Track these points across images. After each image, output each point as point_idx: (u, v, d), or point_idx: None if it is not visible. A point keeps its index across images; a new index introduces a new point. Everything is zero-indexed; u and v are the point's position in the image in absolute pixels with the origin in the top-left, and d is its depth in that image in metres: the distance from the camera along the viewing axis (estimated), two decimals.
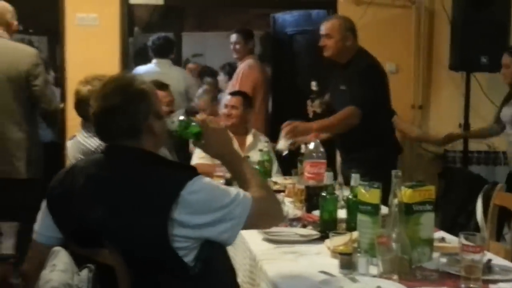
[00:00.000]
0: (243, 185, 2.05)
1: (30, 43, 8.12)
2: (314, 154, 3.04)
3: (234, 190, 1.95)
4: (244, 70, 5.50)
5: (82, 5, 5.08)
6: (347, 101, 3.64)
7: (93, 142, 3.28)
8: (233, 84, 5.48)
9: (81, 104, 3.25)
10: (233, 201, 1.90)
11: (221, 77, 6.35)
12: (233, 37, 5.70)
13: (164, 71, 5.36)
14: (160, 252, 1.82)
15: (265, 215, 2.02)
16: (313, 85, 3.89)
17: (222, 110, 4.50)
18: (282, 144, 3.55)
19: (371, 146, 3.70)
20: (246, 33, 5.74)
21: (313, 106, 3.90)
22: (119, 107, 1.94)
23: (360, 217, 2.18)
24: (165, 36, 5.73)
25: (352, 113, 3.60)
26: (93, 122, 2.00)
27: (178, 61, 8.44)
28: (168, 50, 5.60)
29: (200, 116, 2.22)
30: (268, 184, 2.25)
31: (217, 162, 3.97)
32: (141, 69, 5.51)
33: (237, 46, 5.65)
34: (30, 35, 7.89)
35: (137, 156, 1.94)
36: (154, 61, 5.54)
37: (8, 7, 4.11)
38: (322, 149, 3.07)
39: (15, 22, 4.13)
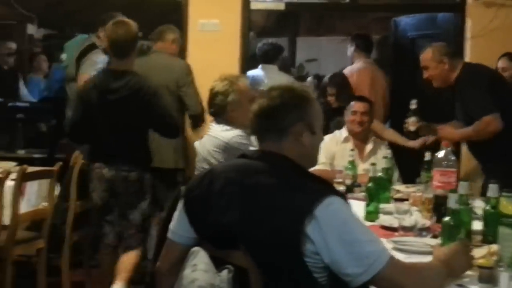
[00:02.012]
0: None
1: (149, 49, 8.44)
2: (444, 163, 2.95)
3: (376, 236, 1.87)
4: (352, 74, 5.44)
5: (204, 12, 5.19)
6: (477, 113, 3.63)
7: (226, 135, 3.38)
8: None
9: (216, 98, 3.40)
10: (368, 243, 1.79)
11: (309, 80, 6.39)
12: (349, 41, 5.67)
13: (270, 76, 5.47)
14: (291, 263, 1.81)
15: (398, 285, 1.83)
16: (412, 103, 3.93)
17: (349, 117, 4.38)
18: (412, 121, 3.74)
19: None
20: (362, 38, 5.69)
21: (407, 123, 3.93)
22: (275, 107, 1.97)
23: (503, 230, 2.08)
24: (272, 43, 5.85)
25: (489, 121, 3.60)
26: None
27: (291, 66, 8.47)
28: (274, 56, 5.71)
29: None
30: (438, 273, 1.95)
31: (337, 168, 4.03)
32: (249, 74, 5.60)
33: (352, 51, 5.61)
34: (150, 41, 8.19)
35: (279, 163, 1.94)
36: (260, 66, 5.66)
37: (174, 29, 4.86)
38: (453, 157, 2.98)
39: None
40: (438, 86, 3.90)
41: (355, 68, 5.52)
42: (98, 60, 4.85)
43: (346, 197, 1.92)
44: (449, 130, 3.85)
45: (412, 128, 3.92)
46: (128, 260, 3.85)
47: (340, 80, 5.23)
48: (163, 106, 3.89)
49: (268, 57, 5.64)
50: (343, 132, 4.42)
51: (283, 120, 1.96)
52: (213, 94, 3.50)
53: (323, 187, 1.91)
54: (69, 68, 5.13)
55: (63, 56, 5.57)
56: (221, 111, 3.50)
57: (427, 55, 3.86)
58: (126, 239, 3.89)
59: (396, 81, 5.91)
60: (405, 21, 5.88)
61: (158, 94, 3.88)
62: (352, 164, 3.86)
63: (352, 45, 5.64)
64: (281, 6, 5.48)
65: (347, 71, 5.52)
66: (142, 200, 3.87)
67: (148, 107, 3.78)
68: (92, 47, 4.94)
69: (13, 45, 6.33)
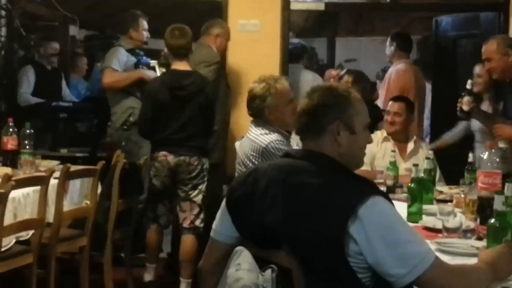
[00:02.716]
0: None
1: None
2: (489, 164, 2.90)
3: (421, 237, 1.85)
4: (392, 75, 5.40)
5: (244, 12, 5.21)
6: None
7: (264, 139, 3.37)
8: (381, 88, 5.43)
9: (253, 101, 3.39)
10: (413, 244, 1.78)
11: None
12: (388, 41, 5.63)
13: (296, 74, 5.54)
14: (334, 263, 1.80)
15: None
16: (468, 83, 3.88)
17: (386, 116, 4.40)
18: (466, 100, 3.76)
19: None
20: (402, 37, 5.65)
21: (461, 103, 3.88)
22: (314, 106, 1.99)
23: None
24: (298, 42, 6.02)
25: None
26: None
27: (330, 66, 8.44)
28: (299, 56, 5.81)
29: None
30: (483, 275, 1.91)
31: (378, 168, 4.00)
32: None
33: (391, 51, 5.58)
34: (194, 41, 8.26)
35: (323, 163, 1.94)
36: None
37: (221, 23, 4.99)
38: (497, 159, 2.93)
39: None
40: (498, 78, 3.86)
41: (398, 69, 5.46)
42: (117, 54, 4.98)
43: (390, 198, 1.91)
44: (506, 128, 3.76)
45: (465, 107, 3.88)
46: (188, 247, 4.36)
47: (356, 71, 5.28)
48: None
49: (293, 56, 5.67)
50: (383, 132, 4.40)
51: (321, 118, 1.98)
52: (251, 97, 3.48)
53: (367, 187, 1.90)
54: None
55: (98, 65, 5.70)
56: (259, 113, 3.49)
57: (491, 47, 3.80)
58: (190, 220, 4.36)
59: (437, 82, 5.84)
60: (447, 20, 5.81)
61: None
62: (393, 164, 3.83)
63: (391, 44, 5.60)
64: (321, 6, 5.46)
65: (388, 72, 5.49)
66: (202, 183, 4.38)
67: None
68: (114, 47, 5.12)
69: (57, 46, 6.44)
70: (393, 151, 4.04)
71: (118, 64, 5.03)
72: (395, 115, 4.32)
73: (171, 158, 4.32)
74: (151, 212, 4.48)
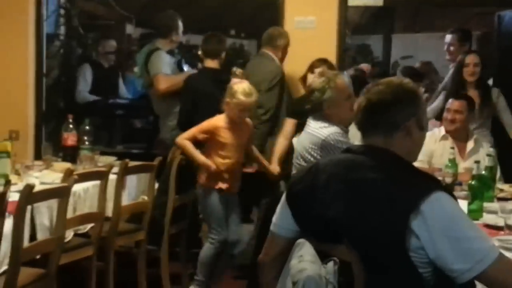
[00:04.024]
0: None
1: (241, 47, 8.55)
2: None
3: (485, 233, 1.83)
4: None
5: (301, 9, 5.18)
6: None
7: (323, 132, 3.37)
8: None
9: (312, 95, 3.41)
10: (476, 240, 1.76)
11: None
12: (448, 37, 5.53)
13: None
14: (395, 257, 1.79)
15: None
16: None
17: (444, 114, 4.32)
18: None
19: None
20: (463, 33, 5.53)
21: None
22: (388, 102, 1.96)
23: None
24: None
25: None
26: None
27: (386, 63, 8.34)
28: None
29: None
30: None
31: (436, 166, 3.94)
32: None
33: (451, 48, 5.50)
34: (242, 39, 8.29)
35: (385, 158, 1.92)
36: None
37: (285, 34, 4.91)
38: None
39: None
40: None
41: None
42: (163, 59, 5.00)
43: (453, 193, 1.88)
44: None
45: None
46: None
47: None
48: None
49: None
50: (442, 130, 4.32)
51: (396, 115, 1.95)
52: (310, 91, 3.51)
53: (431, 182, 1.88)
54: (142, 77, 5.31)
55: (136, 69, 5.76)
56: (317, 107, 3.49)
57: None
58: None
59: (500, 78, 5.69)
60: (510, 15, 5.65)
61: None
62: (453, 162, 3.76)
63: (451, 40, 5.49)
64: (379, 2, 5.38)
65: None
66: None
67: None
68: (154, 51, 5.10)
69: (114, 44, 6.55)
70: (452, 148, 3.97)
71: (168, 68, 5.07)
72: (456, 113, 4.23)
73: None
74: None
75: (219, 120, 4.13)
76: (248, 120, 4.22)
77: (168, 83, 4.99)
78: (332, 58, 4.99)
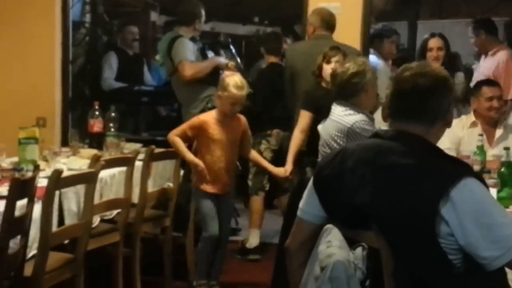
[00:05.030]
0: None
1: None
2: None
3: None
4: (502, 63, 5.15)
5: None
6: None
7: (349, 119, 3.35)
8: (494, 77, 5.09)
9: (354, 78, 3.44)
10: (507, 226, 1.74)
11: None
12: (472, 31, 5.41)
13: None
14: (425, 244, 1.77)
15: None
16: None
17: (484, 104, 4.18)
18: None
19: None
20: (487, 22, 5.41)
21: None
22: (431, 87, 1.93)
23: None
24: None
25: None
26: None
27: (411, 50, 8.24)
28: None
29: None
30: None
31: (464, 154, 3.89)
32: None
33: (481, 40, 5.37)
34: (266, 26, 8.26)
35: (415, 144, 1.90)
36: None
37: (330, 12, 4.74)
38: None
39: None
40: None
41: (500, 58, 5.19)
42: (187, 46, 4.98)
43: (483, 179, 1.85)
44: None
45: None
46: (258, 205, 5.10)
47: None
48: None
49: None
50: (470, 116, 4.26)
51: (437, 104, 1.94)
52: (349, 75, 3.41)
53: (461, 168, 1.86)
54: (165, 64, 5.28)
55: (157, 57, 5.74)
56: (354, 92, 3.42)
57: None
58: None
59: None
60: None
61: None
62: (481, 149, 3.72)
63: (479, 32, 5.35)
64: None
65: (488, 63, 5.25)
66: None
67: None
68: (176, 39, 5.06)
69: (135, 30, 6.55)
70: (481, 135, 3.91)
71: (192, 55, 5.06)
72: (500, 100, 4.14)
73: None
74: (259, 182, 5.09)
75: (208, 116, 4.04)
76: (242, 117, 4.11)
77: (193, 69, 4.97)
78: (357, 45, 4.93)
